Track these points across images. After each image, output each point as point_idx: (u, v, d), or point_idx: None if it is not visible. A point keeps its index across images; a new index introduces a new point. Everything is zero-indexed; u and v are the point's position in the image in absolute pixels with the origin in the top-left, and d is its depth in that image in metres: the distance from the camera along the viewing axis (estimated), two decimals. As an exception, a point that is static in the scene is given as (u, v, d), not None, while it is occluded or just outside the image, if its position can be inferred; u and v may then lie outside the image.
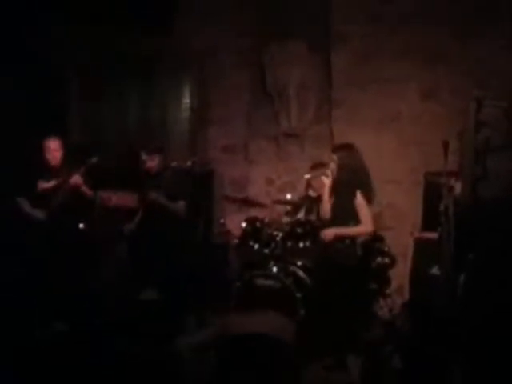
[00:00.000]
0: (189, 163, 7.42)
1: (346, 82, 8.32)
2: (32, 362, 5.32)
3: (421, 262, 6.89)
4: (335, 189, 5.99)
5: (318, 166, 6.88)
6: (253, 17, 8.68)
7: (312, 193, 7.20)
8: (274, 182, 8.79)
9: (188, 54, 8.69)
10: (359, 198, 5.83)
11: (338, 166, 5.98)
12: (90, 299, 6.79)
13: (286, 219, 7.35)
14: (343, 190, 5.91)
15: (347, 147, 6.17)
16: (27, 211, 7.04)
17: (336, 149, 6.17)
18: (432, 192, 6.92)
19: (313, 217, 6.91)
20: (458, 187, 6.24)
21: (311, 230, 6.66)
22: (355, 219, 5.84)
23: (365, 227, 5.88)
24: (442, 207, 6.09)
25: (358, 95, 8.24)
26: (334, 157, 6.07)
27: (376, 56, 8.14)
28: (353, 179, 5.89)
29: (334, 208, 5.97)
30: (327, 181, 6.06)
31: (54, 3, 7.98)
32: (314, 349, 5.73)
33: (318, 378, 5.68)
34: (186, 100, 8.87)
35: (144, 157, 7.08)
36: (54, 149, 7.09)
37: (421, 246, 7.07)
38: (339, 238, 5.89)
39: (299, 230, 7.06)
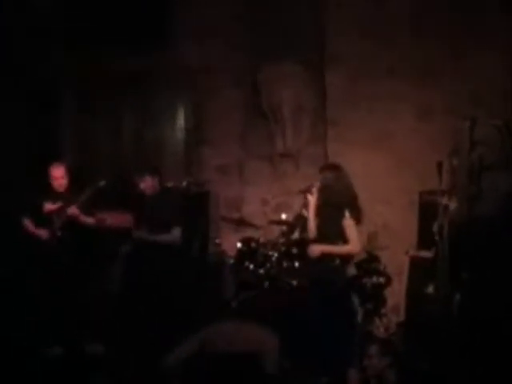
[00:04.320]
0: (184, 184, 7.41)
1: (341, 102, 8.32)
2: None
3: (416, 281, 6.87)
4: (321, 208, 5.98)
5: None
6: (247, 37, 8.69)
7: (305, 212, 7.18)
8: (268, 203, 8.76)
9: (182, 74, 8.69)
10: (347, 218, 5.82)
11: (322, 186, 5.99)
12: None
13: (281, 239, 7.34)
14: (330, 209, 5.90)
15: (333, 167, 6.20)
16: (31, 230, 7.10)
17: (322, 169, 6.19)
18: (427, 211, 6.90)
19: (307, 236, 6.89)
20: (452, 206, 6.24)
21: (305, 249, 6.64)
22: (343, 238, 5.82)
23: (352, 246, 5.86)
24: (435, 226, 6.09)
25: (353, 114, 8.24)
26: (320, 176, 6.09)
27: (370, 75, 8.15)
28: (339, 199, 5.88)
29: (320, 227, 5.96)
30: (312, 199, 6.06)
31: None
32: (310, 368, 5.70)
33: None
34: (181, 120, 8.86)
35: (137, 179, 7.06)
36: (59, 177, 7.11)
37: (416, 264, 7.04)
38: (326, 256, 5.86)
39: (294, 251, 7.08)
